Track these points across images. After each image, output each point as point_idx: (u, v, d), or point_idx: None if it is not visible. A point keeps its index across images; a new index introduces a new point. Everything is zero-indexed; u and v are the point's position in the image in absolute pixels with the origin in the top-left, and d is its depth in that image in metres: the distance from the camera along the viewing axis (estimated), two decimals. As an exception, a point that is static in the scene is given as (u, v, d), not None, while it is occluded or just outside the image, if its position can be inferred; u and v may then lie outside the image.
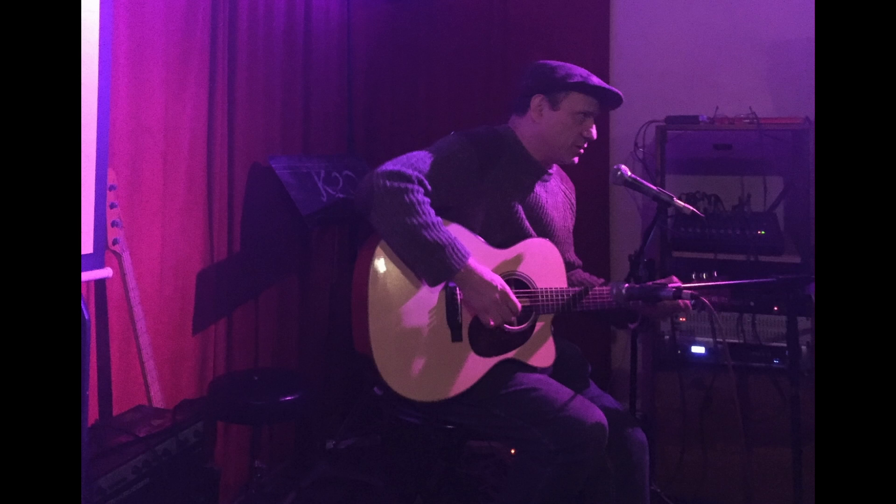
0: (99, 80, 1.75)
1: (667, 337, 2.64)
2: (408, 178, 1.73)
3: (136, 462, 1.77)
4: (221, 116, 2.52)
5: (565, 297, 1.90)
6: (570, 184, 2.19)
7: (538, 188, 1.99)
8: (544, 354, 1.93)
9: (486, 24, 3.43)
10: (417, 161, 1.79)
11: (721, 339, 2.57)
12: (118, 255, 1.99)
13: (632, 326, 1.94)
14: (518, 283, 1.89)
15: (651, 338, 2.75)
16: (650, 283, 1.79)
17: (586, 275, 2.15)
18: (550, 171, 2.04)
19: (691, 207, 1.86)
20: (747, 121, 2.67)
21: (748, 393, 2.52)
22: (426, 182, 1.77)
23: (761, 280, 1.84)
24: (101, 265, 1.83)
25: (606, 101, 1.96)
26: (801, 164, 2.74)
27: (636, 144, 2.95)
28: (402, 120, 3.55)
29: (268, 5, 2.76)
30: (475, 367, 1.82)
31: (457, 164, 1.84)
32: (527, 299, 1.87)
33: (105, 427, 1.91)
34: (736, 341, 2.56)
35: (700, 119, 2.70)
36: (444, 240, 1.71)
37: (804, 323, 2.46)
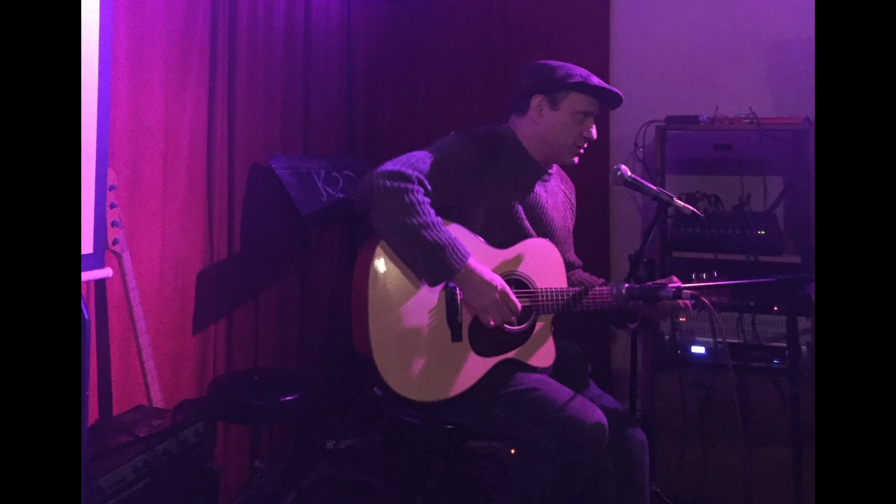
0: (99, 80, 1.75)
1: (667, 337, 2.64)
2: (408, 178, 1.73)
3: (136, 462, 1.77)
4: (221, 116, 2.52)
5: (565, 297, 1.90)
6: (570, 184, 2.19)
7: (538, 188, 1.99)
8: (544, 354, 1.93)
9: (486, 24, 3.43)
10: (417, 161, 1.79)
11: (721, 339, 2.57)
12: (118, 255, 1.99)
13: (632, 326, 1.94)
14: (518, 283, 1.89)
15: (651, 338, 2.75)
16: (650, 283, 1.79)
17: (586, 275, 2.15)
18: (550, 171, 2.04)
19: (691, 207, 1.86)
20: (747, 121, 2.67)
21: (748, 393, 2.52)
22: (426, 182, 1.77)
23: (761, 280, 1.84)
24: (101, 265, 1.83)
25: (606, 101, 1.96)
26: (801, 164, 2.74)
27: (636, 144, 2.95)
28: (402, 120, 3.55)
29: (268, 5, 2.76)
30: (475, 367, 1.82)
31: (457, 164, 1.84)
32: (527, 299, 1.87)
33: (105, 427, 1.91)
34: (736, 341, 2.56)
35: (700, 119, 2.70)
36: (444, 240, 1.71)
37: (804, 323, 2.46)
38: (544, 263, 1.94)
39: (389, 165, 1.76)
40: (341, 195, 2.77)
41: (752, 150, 2.72)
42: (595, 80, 1.90)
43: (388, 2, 3.49)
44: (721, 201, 2.85)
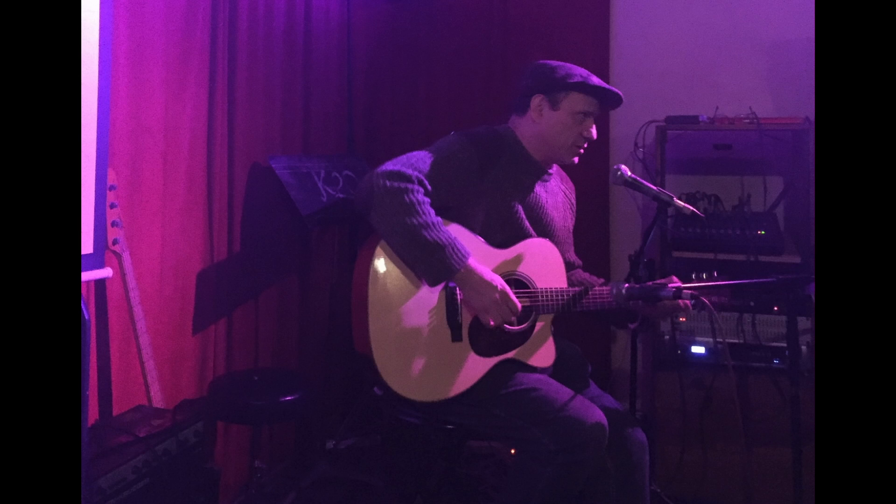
0: (99, 80, 1.75)
1: (667, 337, 2.64)
2: (408, 178, 1.73)
3: (136, 462, 1.77)
4: (221, 116, 2.52)
5: (565, 297, 1.90)
6: (570, 184, 2.19)
7: (538, 188, 1.99)
8: (544, 354, 1.93)
9: (486, 24, 3.43)
10: (417, 161, 1.79)
11: (721, 339, 2.57)
12: (118, 255, 1.99)
13: (632, 326, 1.94)
14: (518, 283, 1.89)
15: (651, 338, 2.75)
16: (650, 283, 1.79)
17: (586, 275, 2.15)
18: (550, 171, 2.04)
19: (691, 207, 1.86)
20: (747, 121, 2.67)
21: (748, 393, 2.52)
22: (426, 182, 1.77)
23: (761, 280, 1.84)
24: (101, 265, 1.83)
25: (606, 101, 1.96)
26: (801, 164, 2.74)
27: (636, 144, 2.95)
28: (402, 120, 3.55)
29: (268, 5, 2.76)
30: (475, 367, 1.82)
31: (457, 164, 1.84)
32: (527, 299, 1.87)
33: (105, 427, 1.91)
34: (736, 341, 2.56)
35: (700, 119, 2.70)
36: (444, 240, 1.71)
37: (804, 323, 2.45)
38: (544, 263, 1.94)
39: (389, 165, 1.76)
40: (341, 195, 2.77)
41: (752, 150, 2.72)
42: (595, 80, 1.91)
43: (388, 2, 3.49)
44: (721, 201, 2.85)
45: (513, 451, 2.15)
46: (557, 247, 1.99)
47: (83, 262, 1.73)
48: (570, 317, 1.98)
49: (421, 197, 1.73)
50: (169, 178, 2.30)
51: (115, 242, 1.96)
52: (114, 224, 1.95)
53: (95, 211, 1.78)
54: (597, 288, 1.92)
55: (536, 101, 1.93)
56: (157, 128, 2.24)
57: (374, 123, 3.52)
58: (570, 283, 2.02)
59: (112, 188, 1.92)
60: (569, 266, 2.10)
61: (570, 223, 2.15)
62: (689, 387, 2.55)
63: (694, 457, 2.55)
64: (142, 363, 2.05)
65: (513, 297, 1.78)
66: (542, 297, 1.89)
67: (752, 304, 2.56)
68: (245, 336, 2.67)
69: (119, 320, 2.11)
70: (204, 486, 2.00)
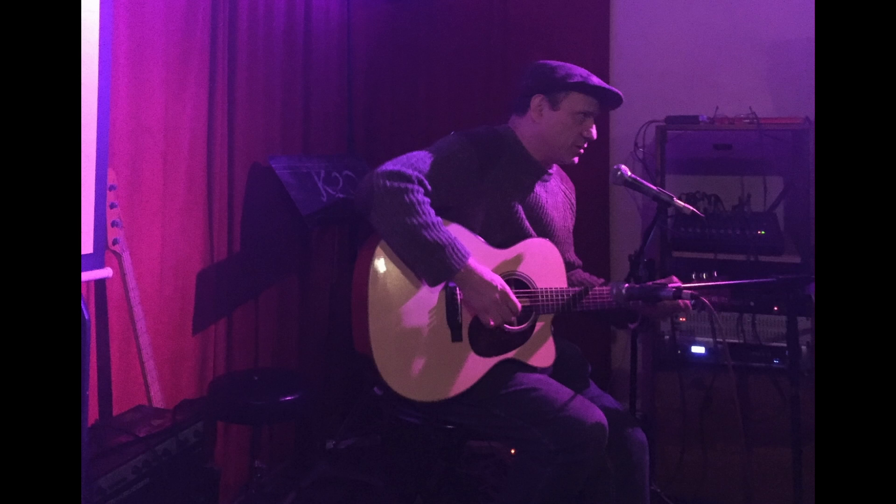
0: (99, 80, 1.75)
1: (667, 337, 2.64)
2: (408, 178, 1.73)
3: (136, 462, 1.77)
4: (221, 116, 2.52)
5: (565, 297, 1.90)
6: (570, 184, 2.19)
7: (538, 188, 1.99)
8: (544, 354, 1.93)
9: (486, 24, 3.43)
10: (417, 161, 1.79)
11: (721, 339, 2.57)
12: (118, 255, 1.99)
13: (632, 326, 1.94)
14: (518, 283, 1.89)
15: (651, 338, 2.75)
16: (650, 283, 1.79)
17: (586, 275, 2.15)
18: (550, 171, 2.04)
19: (691, 207, 1.86)
20: (747, 121, 2.67)
21: (748, 393, 2.52)
22: (426, 182, 1.77)
23: (761, 280, 1.84)
24: (101, 265, 1.83)
25: (606, 101, 1.96)
26: (801, 164, 2.74)
27: (636, 144, 2.95)
28: (402, 120, 3.55)
29: (268, 5, 2.76)
30: (475, 367, 1.82)
31: (457, 164, 1.84)
32: (527, 299, 1.87)
33: (105, 427, 1.91)
34: (736, 341, 2.56)
35: (700, 119, 2.70)
36: (444, 240, 1.71)
37: (804, 323, 2.46)
38: (544, 263, 1.94)
39: (389, 165, 1.76)
40: (341, 195, 2.77)
41: (752, 150, 2.72)
42: (595, 80, 1.90)
43: (388, 2, 3.49)
44: (721, 201, 2.85)
45: (513, 451, 2.15)
46: (557, 247, 1.99)
47: (83, 262, 1.73)
48: (570, 317, 1.98)
49: (421, 197, 1.73)
50: (169, 178, 2.30)
51: (115, 242, 1.96)
52: (114, 224, 1.95)
53: (95, 211, 1.78)
54: (597, 288, 1.92)
55: (536, 101, 1.93)
56: (157, 128, 2.24)
57: (374, 123, 3.52)
58: (570, 283, 2.02)
59: (112, 188, 1.92)
60: (569, 266, 2.10)
61: (570, 223, 2.15)
62: (689, 387, 2.55)
63: (694, 457, 2.55)
64: (142, 363, 2.05)
65: (513, 297, 1.78)
66: (542, 297, 1.89)
67: (752, 304, 2.56)
68: (245, 336, 2.67)
69: (119, 320, 2.11)
70: (204, 486, 2.00)
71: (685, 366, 2.59)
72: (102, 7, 1.74)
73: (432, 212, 1.74)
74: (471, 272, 1.75)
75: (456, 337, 1.81)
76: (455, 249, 1.72)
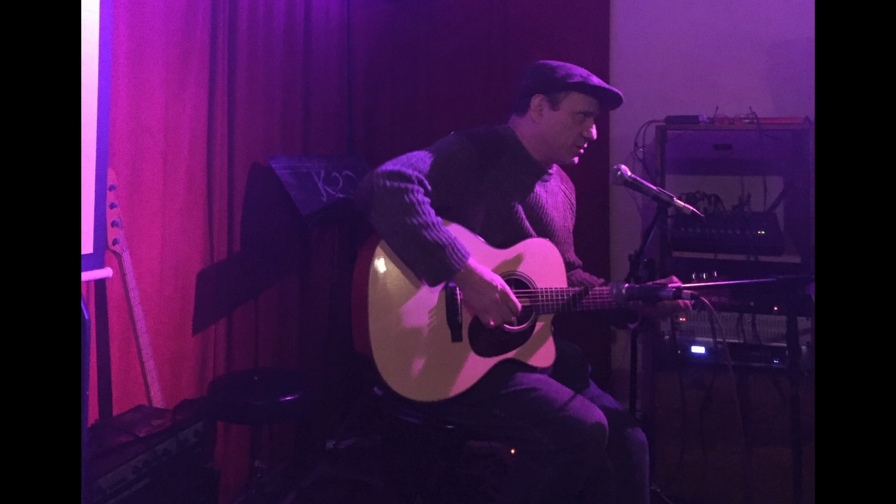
0: (99, 80, 1.75)
1: (667, 337, 2.64)
2: (408, 178, 1.73)
3: (136, 462, 1.77)
4: (221, 116, 2.52)
5: (565, 297, 1.90)
6: (570, 184, 2.19)
7: (538, 188, 1.99)
8: (544, 354, 1.93)
9: (486, 24, 3.43)
10: (417, 161, 1.79)
11: (721, 339, 2.57)
12: (118, 255, 1.99)
13: (632, 326, 1.94)
14: (518, 283, 1.89)
15: (651, 338, 2.75)
16: (650, 283, 1.79)
17: (586, 275, 2.15)
18: (550, 171, 2.04)
19: (691, 207, 1.86)
20: (747, 121, 2.67)
21: (748, 393, 2.52)
22: (426, 182, 1.77)
23: (761, 280, 1.84)
24: (101, 265, 1.83)
25: (606, 101, 1.96)
26: (801, 164, 2.74)
27: (636, 144, 2.95)
28: (402, 120, 3.55)
29: (268, 5, 2.76)
30: (475, 367, 1.82)
31: (457, 164, 1.84)
32: (527, 299, 1.87)
33: (105, 427, 1.91)
34: (736, 341, 2.56)
35: (700, 119, 2.70)
36: (444, 240, 1.71)
37: (804, 323, 2.46)
38: (544, 263, 1.94)
39: (389, 165, 1.76)
40: (341, 195, 2.77)
41: (752, 150, 2.72)
42: (595, 80, 1.91)
43: (388, 2, 3.49)
44: (721, 201, 2.85)
45: (513, 451, 2.15)
46: (557, 247, 1.99)
47: (83, 262, 1.73)
48: (570, 317, 1.98)
49: (421, 197, 1.73)
50: (169, 178, 2.30)
51: (115, 242, 1.96)
52: (114, 224, 1.95)
53: (95, 211, 1.79)
54: (597, 288, 1.92)
55: (536, 101, 1.93)
56: (157, 128, 2.24)
57: (374, 123, 3.52)
58: (570, 283, 2.02)
59: (112, 188, 1.92)
60: (569, 266, 2.10)
61: (570, 223, 2.15)
62: (689, 387, 2.55)
63: (694, 457, 2.55)
64: (142, 363, 2.05)
65: (513, 297, 1.78)
66: (542, 297, 1.89)
67: (752, 304, 2.56)
68: (245, 336, 2.67)
69: (119, 320, 2.11)
70: (204, 486, 2.00)
71: (685, 366, 2.59)
72: (102, 7, 1.74)
73: (432, 212, 1.74)
74: (471, 272, 1.75)
75: (456, 337, 1.81)
76: (455, 249, 1.72)
